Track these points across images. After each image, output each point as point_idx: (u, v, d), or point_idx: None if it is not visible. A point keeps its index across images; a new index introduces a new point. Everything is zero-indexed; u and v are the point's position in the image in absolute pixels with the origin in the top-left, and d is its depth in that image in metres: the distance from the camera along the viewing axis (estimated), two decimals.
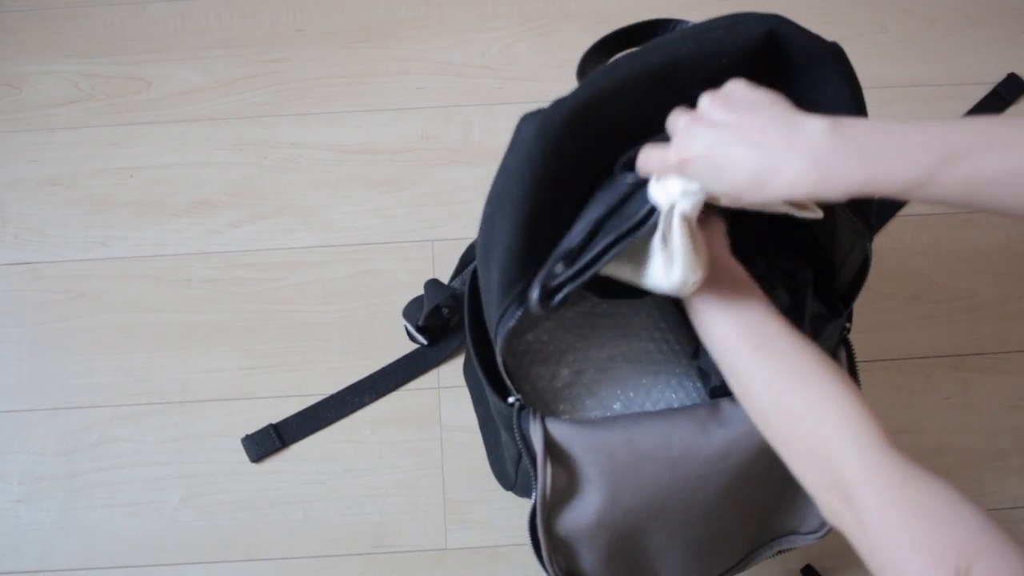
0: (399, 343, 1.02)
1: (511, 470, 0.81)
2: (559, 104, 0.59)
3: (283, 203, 1.08)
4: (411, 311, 0.99)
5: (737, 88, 0.54)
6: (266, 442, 0.98)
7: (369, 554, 0.96)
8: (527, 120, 0.60)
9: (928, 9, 1.19)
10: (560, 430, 0.65)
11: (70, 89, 1.14)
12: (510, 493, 0.95)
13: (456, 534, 0.96)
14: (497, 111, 1.13)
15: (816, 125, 0.49)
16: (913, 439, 1.00)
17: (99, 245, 1.07)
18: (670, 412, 0.67)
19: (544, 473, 0.65)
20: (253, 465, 0.98)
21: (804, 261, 0.72)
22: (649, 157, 0.56)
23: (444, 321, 1.00)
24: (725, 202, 0.55)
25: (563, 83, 1.17)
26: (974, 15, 1.19)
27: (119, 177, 1.10)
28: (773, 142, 0.49)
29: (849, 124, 0.49)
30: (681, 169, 0.53)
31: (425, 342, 1.00)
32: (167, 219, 1.08)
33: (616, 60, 0.62)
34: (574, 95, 0.59)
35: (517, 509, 0.96)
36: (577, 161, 0.59)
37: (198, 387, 1.01)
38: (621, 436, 0.65)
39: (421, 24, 1.17)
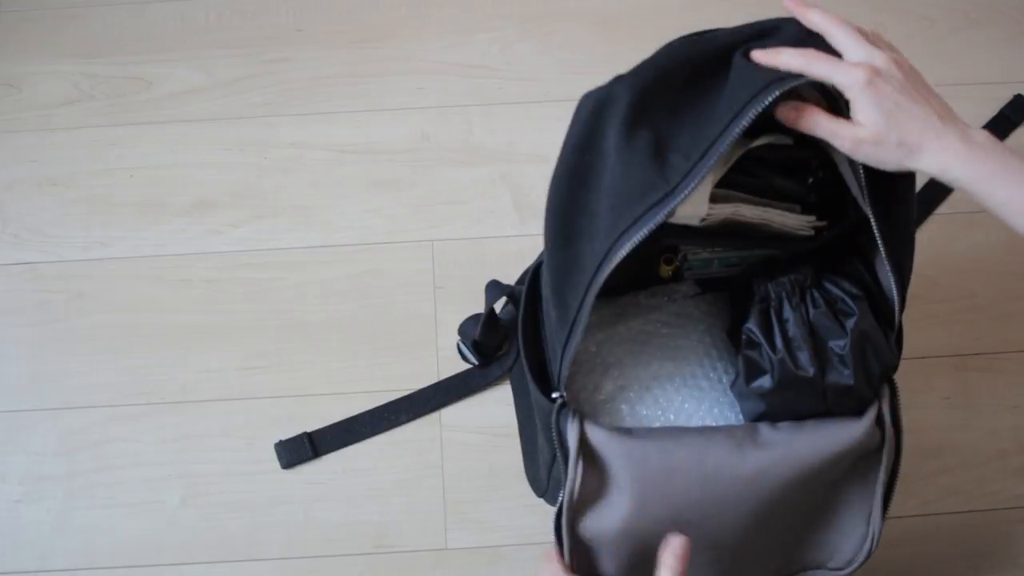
0: (399, 343, 1.02)
1: (544, 475, 0.81)
2: (619, 79, 0.61)
3: (283, 203, 1.08)
4: (467, 328, 0.98)
5: (909, 64, 0.60)
6: (299, 450, 0.97)
7: (369, 554, 0.96)
8: (589, 97, 0.63)
9: (928, 9, 1.19)
10: (596, 433, 0.65)
11: (70, 89, 1.14)
12: (510, 493, 0.95)
13: (456, 534, 0.96)
14: (497, 111, 1.13)
15: (982, 132, 0.58)
16: (913, 439, 0.99)
17: (99, 245, 1.07)
18: (707, 429, 0.67)
19: (575, 471, 0.65)
20: (253, 465, 0.98)
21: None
22: (817, 56, 0.58)
23: (498, 341, 0.98)
24: (848, 144, 0.58)
25: (563, 83, 1.18)
26: (974, 15, 1.19)
27: (119, 177, 1.10)
28: (948, 117, 0.58)
29: (1003, 144, 0.58)
30: (867, 86, 0.57)
31: (476, 362, 0.99)
32: (167, 219, 1.08)
33: (675, 42, 0.64)
34: (635, 71, 0.61)
35: (517, 509, 0.96)
36: (643, 119, 0.61)
37: (198, 387, 1.01)
38: (656, 446, 0.65)
39: (421, 24, 1.17)
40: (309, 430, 0.98)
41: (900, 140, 0.57)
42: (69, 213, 1.08)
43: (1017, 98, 1.14)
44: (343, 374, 1.01)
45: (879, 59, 0.58)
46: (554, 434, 0.67)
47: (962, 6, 1.19)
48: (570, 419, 0.66)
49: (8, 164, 1.10)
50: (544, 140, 1.12)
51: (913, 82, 0.59)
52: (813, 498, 0.56)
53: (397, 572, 0.95)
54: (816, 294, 0.67)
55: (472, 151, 1.11)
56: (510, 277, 1.00)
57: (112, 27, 1.17)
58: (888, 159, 0.58)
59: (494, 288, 0.93)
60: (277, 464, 0.98)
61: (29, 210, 1.08)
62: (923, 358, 1.02)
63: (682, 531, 0.66)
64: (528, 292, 0.77)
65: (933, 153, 0.57)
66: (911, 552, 0.96)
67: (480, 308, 0.95)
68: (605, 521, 0.67)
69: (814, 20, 0.60)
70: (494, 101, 1.13)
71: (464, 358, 1.00)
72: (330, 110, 1.13)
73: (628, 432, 0.66)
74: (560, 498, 0.67)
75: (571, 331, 0.64)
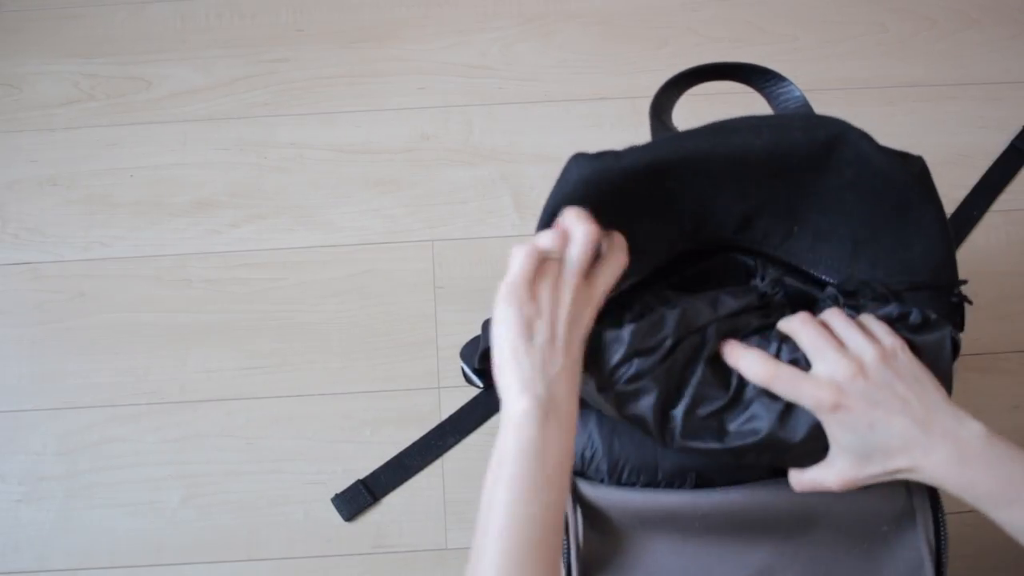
0: (399, 343, 1.02)
1: None
2: (616, 158, 0.58)
3: (283, 203, 1.08)
4: (468, 352, 0.97)
5: (904, 354, 0.54)
6: (358, 499, 0.97)
7: (369, 554, 0.96)
8: (578, 161, 0.58)
9: (928, 9, 1.19)
10: (587, 489, 0.64)
11: (70, 89, 1.14)
12: None
13: (456, 534, 0.96)
14: (497, 111, 1.13)
15: (975, 428, 0.52)
16: None
17: (99, 245, 1.07)
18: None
19: (575, 521, 0.64)
20: (253, 465, 0.98)
21: None
22: (782, 374, 0.54)
23: None
24: (847, 481, 0.55)
25: (563, 83, 1.17)
26: (974, 15, 1.18)
27: (119, 177, 1.10)
28: (935, 426, 0.52)
29: (1001, 442, 0.52)
30: (833, 410, 0.53)
31: (482, 386, 0.99)
32: (167, 219, 1.08)
33: (687, 133, 0.60)
34: (632, 154, 0.58)
35: None
36: (616, 218, 0.58)
37: (198, 387, 1.01)
38: (645, 495, 0.63)
39: (421, 24, 1.17)
40: (351, 462, 0.98)
41: (884, 458, 0.53)
42: (69, 213, 1.08)
43: None
44: (343, 374, 1.01)
45: (846, 368, 0.53)
46: None
47: (963, 6, 1.19)
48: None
49: (8, 164, 1.10)
50: (544, 140, 1.12)
51: (901, 379, 0.53)
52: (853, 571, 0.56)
53: (397, 572, 0.95)
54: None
55: (472, 151, 1.11)
56: None
57: (112, 27, 1.17)
58: (880, 476, 0.54)
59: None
60: (277, 464, 0.98)
61: (29, 210, 1.08)
62: None
63: None
64: None
65: (924, 471, 0.52)
66: None
67: (480, 311, 0.95)
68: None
69: (784, 327, 0.57)
70: (494, 101, 1.13)
71: (469, 382, 0.99)
72: (330, 110, 1.13)
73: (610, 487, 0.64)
74: (564, 552, 0.65)
75: None
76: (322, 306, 1.04)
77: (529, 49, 1.16)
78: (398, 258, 1.06)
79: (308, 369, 1.02)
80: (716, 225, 0.61)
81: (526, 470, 0.51)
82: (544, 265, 0.54)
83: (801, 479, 0.57)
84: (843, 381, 0.53)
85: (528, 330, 0.53)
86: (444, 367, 1.02)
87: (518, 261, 0.54)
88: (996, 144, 1.12)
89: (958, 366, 1.02)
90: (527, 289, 0.54)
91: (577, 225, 0.55)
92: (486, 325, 0.91)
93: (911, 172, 0.59)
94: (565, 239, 0.55)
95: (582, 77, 1.15)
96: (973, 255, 1.07)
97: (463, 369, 0.97)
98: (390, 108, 1.13)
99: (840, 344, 0.54)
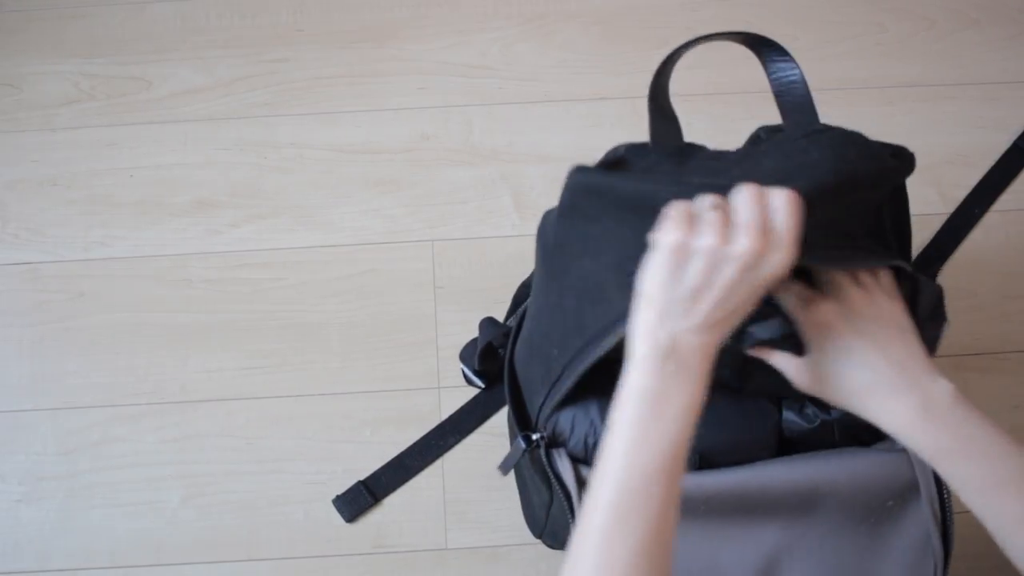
0: (399, 343, 1.02)
1: (542, 515, 0.80)
2: (621, 178, 0.57)
3: (283, 203, 1.09)
4: (467, 354, 0.96)
5: (885, 288, 0.56)
6: (358, 500, 0.96)
7: (369, 554, 0.96)
8: (580, 172, 0.58)
9: (928, 9, 1.19)
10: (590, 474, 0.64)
11: (70, 89, 1.14)
12: (510, 493, 0.95)
13: (456, 534, 0.96)
14: (497, 111, 1.13)
15: (946, 386, 0.53)
16: None
17: (99, 245, 1.07)
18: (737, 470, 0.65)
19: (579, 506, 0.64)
20: (253, 465, 0.98)
21: None
22: (790, 289, 0.55)
23: (502, 362, 0.97)
24: (805, 384, 0.55)
25: (563, 83, 1.17)
26: (974, 15, 1.19)
27: (119, 177, 1.10)
28: (907, 373, 0.53)
29: (968, 405, 0.53)
30: (825, 329, 0.53)
31: (483, 386, 0.99)
32: (167, 219, 1.08)
33: (694, 153, 0.60)
34: (634, 180, 0.57)
35: (517, 509, 0.95)
36: (612, 229, 0.58)
37: (198, 387, 1.01)
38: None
39: (421, 24, 1.17)
40: (361, 478, 0.97)
41: (849, 391, 0.54)
42: (69, 213, 1.08)
43: None
44: (343, 374, 1.01)
45: (845, 296, 0.54)
46: (551, 476, 0.65)
47: (962, 6, 1.19)
48: (559, 459, 0.65)
49: (8, 164, 1.10)
50: (544, 140, 1.12)
51: (889, 324, 0.54)
52: (859, 548, 0.56)
53: (397, 572, 0.95)
54: None
55: (472, 151, 1.11)
56: (510, 277, 0.99)
57: (112, 27, 1.17)
58: (835, 402, 0.55)
59: (488, 327, 0.91)
60: (277, 464, 0.98)
61: (29, 210, 1.08)
62: None
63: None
64: (516, 332, 0.75)
65: (882, 415, 0.53)
66: None
67: (480, 311, 0.95)
68: None
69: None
70: (494, 101, 1.13)
71: (469, 382, 0.99)
72: (330, 110, 1.13)
73: None
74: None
75: (553, 389, 0.63)
76: (322, 306, 1.04)
77: (529, 49, 1.16)
78: (398, 258, 1.06)
79: (308, 369, 1.02)
80: None
81: (636, 417, 0.49)
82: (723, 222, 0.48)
83: (766, 352, 0.57)
84: (834, 312, 0.54)
85: (679, 264, 0.48)
86: (444, 367, 1.02)
87: (704, 201, 0.49)
88: (995, 144, 1.12)
89: (958, 366, 1.03)
90: (702, 224, 0.48)
91: (779, 196, 0.48)
92: (483, 324, 0.92)
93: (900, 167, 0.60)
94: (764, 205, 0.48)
95: (582, 77, 1.15)
96: (973, 255, 1.07)
97: (463, 371, 0.97)
98: (390, 108, 1.13)
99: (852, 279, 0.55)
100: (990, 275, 1.06)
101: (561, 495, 0.66)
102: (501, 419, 0.99)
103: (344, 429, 1.00)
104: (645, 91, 0.64)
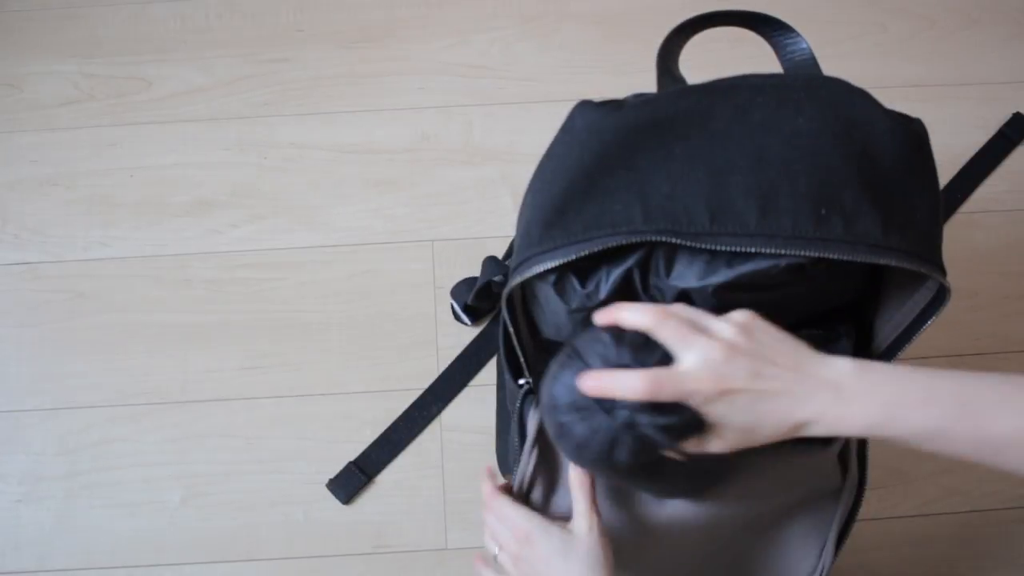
0: (399, 343, 1.02)
1: (511, 459, 0.80)
2: (622, 114, 0.57)
3: (283, 203, 1.08)
4: (459, 291, 1.00)
5: (755, 320, 0.53)
6: (352, 481, 0.97)
7: (369, 554, 0.96)
8: (583, 109, 0.59)
9: (928, 9, 1.19)
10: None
11: (70, 89, 1.14)
12: None
13: (456, 534, 0.96)
14: (497, 111, 1.13)
15: (842, 365, 0.51)
16: None
17: (99, 245, 1.07)
18: None
19: (528, 459, 0.65)
20: (253, 465, 0.98)
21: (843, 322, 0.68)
22: (659, 378, 0.51)
23: (491, 306, 1.01)
24: (721, 445, 0.53)
25: (563, 83, 1.17)
26: (974, 15, 1.19)
27: (119, 177, 1.10)
28: (808, 376, 0.51)
29: (872, 367, 0.51)
30: (721, 396, 0.50)
31: (469, 322, 1.01)
32: (167, 219, 1.08)
33: (690, 88, 0.60)
34: (636, 111, 0.57)
35: None
36: (619, 162, 0.57)
37: (198, 387, 1.01)
38: None
39: (421, 24, 1.17)
40: (351, 458, 0.98)
41: (774, 424, 0.51)
42: (69, 213, 1.08)
43: (1016, 116, 1.13)
44: (343, 374, 1.01)
45: (720, 351, 0.51)
46: (515, 418, 0.67)
47: (962, 6, 1.19)
48: (533, 408, 0.65)
49: (8, 164, 1.10)
50: (544, 140, 1.11)
51: (767, 345, 0.52)
52: (763, 520, 0.55)
53: (397, 572, 0.95)
54: None
55: (472, 151, 1.11)
56: None
57: (112, 27, 1.17)
58: (772, 439, 0.52)
59: (491, 265, 0.94)
60: (277, 464, 0.98)
61: (29, 210, 1.08)
62: (923, 358, 1.02)
63: (633, 546, 0.65)
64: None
65: (812, 424, 0.51)
66: (911, 552, 0.95)
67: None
68: (553, 512, 0.67)
69: (630, 320, 0.54)
70: (494, 101, 1.13)
71: (457, 318, 1.01)
72: (330, 110, 1.13)
73: None
74: (513, 481, 0.67)
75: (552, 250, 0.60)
76: (322, 306, 1.04)
77: (529, 49, 1.16)
78: (398, 258, 1.06)
79: (308, 369, 1.02)
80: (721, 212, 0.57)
81: None
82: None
83: (696, 445, 0.53)
84: (721, 363, 0.50)
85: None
86: (444, 367, 1.02)
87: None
88: None
89: (958, 366, 1.03)
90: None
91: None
92: (485, 262, 0.93)
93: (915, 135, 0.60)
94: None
95: (582, 77, 1.15)
96: (973, 255, 1.07)
97: (452, 306, 0.99)
98: (390, 108, 1.13)
99: (700, 330, 0.52)
100: (990, 275, 1.06)
101: (518, 440, 0.67)
102: (494, 419, 0.99)
103: (344, 429, 1.00)
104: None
